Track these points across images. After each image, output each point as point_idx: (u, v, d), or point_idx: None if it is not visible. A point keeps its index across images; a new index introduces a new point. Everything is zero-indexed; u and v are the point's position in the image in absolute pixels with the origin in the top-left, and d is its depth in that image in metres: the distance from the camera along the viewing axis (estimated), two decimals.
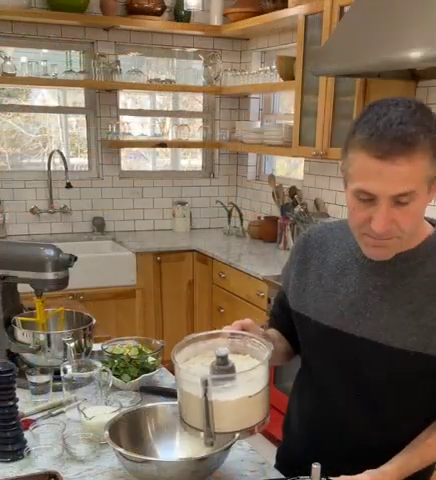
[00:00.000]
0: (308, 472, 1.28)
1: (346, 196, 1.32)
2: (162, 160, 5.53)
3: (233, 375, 1.27)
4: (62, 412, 1.79)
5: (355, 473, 1.34)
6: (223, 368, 1.27)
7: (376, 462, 1.37)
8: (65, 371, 1.77)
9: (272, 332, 1.66)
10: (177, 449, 1.52)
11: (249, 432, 1.30)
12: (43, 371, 1.86)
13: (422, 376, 1.36)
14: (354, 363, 1.43)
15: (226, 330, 1.40)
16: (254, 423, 1.30)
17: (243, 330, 1.40)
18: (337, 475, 1.32)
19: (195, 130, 5.05)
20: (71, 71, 4.44)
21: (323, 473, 1.27)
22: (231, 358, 1.29)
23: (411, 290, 1.36)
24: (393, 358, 1.36)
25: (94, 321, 2.08)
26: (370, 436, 1.45)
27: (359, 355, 1.41)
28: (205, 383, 1.23)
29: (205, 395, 1.23)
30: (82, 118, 4.85)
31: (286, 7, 3.86)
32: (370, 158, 1.21)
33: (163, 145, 4.80)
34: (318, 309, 1.49)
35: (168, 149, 5.25)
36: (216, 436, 1.28)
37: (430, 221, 1.44)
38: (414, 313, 1.34)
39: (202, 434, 1.28)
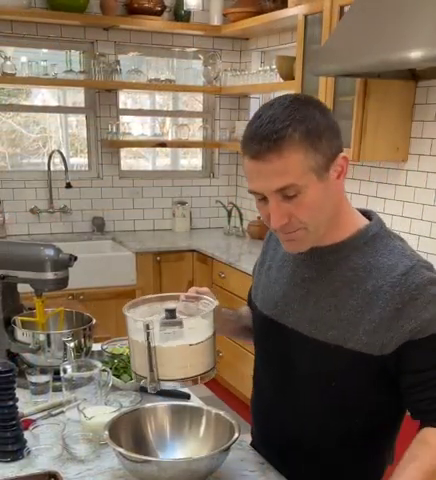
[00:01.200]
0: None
1: None
2: (162, 160, 5.53)
3: (175, 321, 1.37)
4: (62, 412, 1.79)
5: (300, 461, 1.46)
6: (170, 321, 1.37)
7: (314, 452, 1.44)
8: (65, 371, 1.77)
9: (244, 309, 1.75)
10: (177, 449, 1.52)
11: (192, 381, 1.39)
12: (43, 371, 1.86)
13: (345, 370, 1.35)
14: (286, 353, 1.47)
15: (181, 294, 1.49)
16: (197, 373, 1.38)
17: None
18: (283, 463, 1.46)
19: (195, 130, 5.05)
20: (71, 71, 4.44)
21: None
22: (182, 316, 1.40)
23: (334, 283, 1.36)
24: (315, 350, 1.38)
25: (94, 321, 2.08)
26: (297, 425, 1.47)
27: (290, 345, 1.45)
28: (147, 327, 1.32)
29: (148, 339, 1.32)
30: (82, 118, 4.84)
31: (286, 7, 3.86)
32: (249, 160, 1.27)
33: (163, 145, 4.80)
34: (263, 299, 1.56)
35: (168, 149, 5.25)
36: (160, 383, 1.37)
37: (365, 213, 1.44)
38: (336, 306, 1.35)
39: (146, 380, 1.37)
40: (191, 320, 1.41)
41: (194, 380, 1.39)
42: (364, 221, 1.39)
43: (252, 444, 1.68)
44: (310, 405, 1.44)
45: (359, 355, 1.32)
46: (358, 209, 1.44)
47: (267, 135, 1.22)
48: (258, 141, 1.23)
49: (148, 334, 1.32)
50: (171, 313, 1.38)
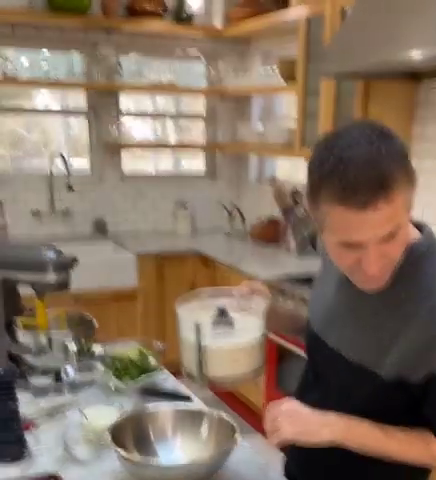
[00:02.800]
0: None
1: (324, 240, 1.28)
2: (164, 162, 5.53)
3: (226, 320, 1.39)
4: (63, 413, 1.79)
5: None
6: (222, 319, 1.39)
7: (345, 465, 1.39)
8: (66, 373, 1.77)
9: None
10: (179, 452, 1.52)
11: (241, 380, 1.41)
12: (44, 373, 1.87)
13: (377, 394, 1.31)
14: (324, 371, 1.45)
15: (234, 289, 1.48)
16: (246, 371, 1.40)
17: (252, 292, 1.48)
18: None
19: (197, 132, 5.05)
20: (72, 73, 4.44)
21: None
22: (233, 314, 1.41)
23: (376, 303, 1.31)
24: (351, 372, 1.34)
25: (95, 323, 2.08)
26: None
27: (328, 364, 1.43)
28: (197, 327, 1.34)
29: (197, 339, 1.34)
30: (83, 120, 4.85)
31: (288, 9, 3.87)
32: (349, 211, 1.14)
33: (165, 147, 4.80)
34: (312, 310, 1.54)
35: (169, 151, 5.25)
36: (209, 380, 1.38)
37: (418, 225, 1.37)
38: (375, 327, 1.31)
39: (195, 378, 1.39)
40: (242, 320, 1.41)
41: (243, 379, 1.41)
42: (413, 237, 1.31)
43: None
44: None
45: (391, 380, 1.27)
46: (412, 221, 1.36)
47: (375, 183, 1.12)
48: (364, 191, 1.12)
49: (198, 334, 1.34)
50: (223, 312, 1.40)
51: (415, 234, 1.33)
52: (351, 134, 1.18)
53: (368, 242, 1.18)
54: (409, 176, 1.18)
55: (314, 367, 1.53)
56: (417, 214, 3.72)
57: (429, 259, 1.29)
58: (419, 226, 1.37)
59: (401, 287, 1.28)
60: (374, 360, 1.29)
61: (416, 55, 2.43)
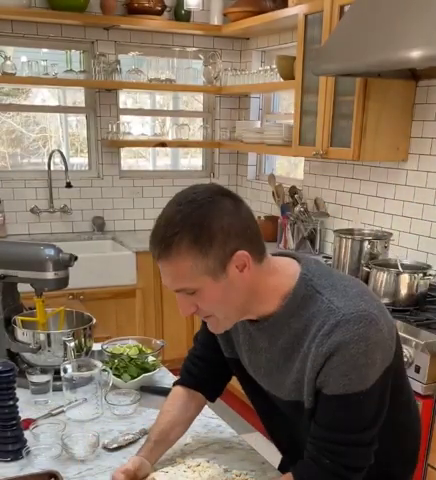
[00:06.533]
0: None
1: None
2: (162, 160, 5.53)
3: None
4: (62, 412, 1.79)
5: None
6: None
7: None
8: (65, 371, 1.77)
9: (173, 410, 1.61)
10: None
11: None
12: (43, 371, 1.87)
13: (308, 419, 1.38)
14: (270, 406, 1.52)
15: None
16: None
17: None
18: None
19: (195, 130, 5.05)
20: (71, 70, 4.44)
21: None
22: None
23: (285, 350, 1.38)
24: (290, 409, 1.43)
25: (94, 321, 2.08)
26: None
27: (270, 401, 1.50)
28: None
29: None
30: (82, 117, 4.84)
31: (286, 7, 3.86)
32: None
33: (163, 145, 4.80)
34: (240, 355, 1.55)
35: (168, 149, 5.24)
36: None
37: (293, 257, 1.42)
38: (292, 370, 1.37)
39: None
40: None
41: None
42: (292, 280, 1.36)
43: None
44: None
45: (310, 411, 1.35)
46: (283, 253, 1.45)
47: (159, 242, 1.28)
48: (153, 245, 1.30)
49: None
50: None
51: (293, 277, 1.36)
52: (181, 193, 1.32)
53: (171, 289, 1.32)
54: (201, 247, 1.25)
55: (259, 404, 1.61)
56: (416, 212, 3.72)
57: (313, 297, 1.33)
58: (295, 258, 1.42)
59: (298, 330, 1.34)
60: (299, 394, 1.37)
61: (415, 54, 2.42)
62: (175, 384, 1.67)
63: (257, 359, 1.47)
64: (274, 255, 1.42)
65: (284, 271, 1.38)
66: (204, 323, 1.58)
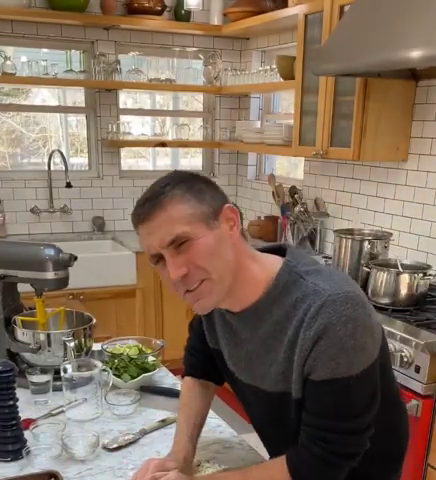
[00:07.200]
0: None
1: None
2: (162, 160, 5.53)
3: None
4: (62, 412, 1.79)
5: None
6: None
7: None
8: (65, 371, 1.77)
9: (191, 403, 1.62)
10: None
11: None
12: (43, 371, 1.87)
13: (294, 411, 1.37)
14: (251, 402, 1.51)
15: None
16: None
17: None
18: None
19: (195, 130, 5.05)
20: (71, 70, 4.44)
21: None
22: None
23: (267, 340, 1.37)
24: (273, 401, 1.40)
25: (94, 321, 2.08)
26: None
27: (251, 397, 1.48)
28: None
29: None
30: (82, 117, 4.85)
31: (286, 6, 3.86)
32: (139, 228, 1.37)
33: (163, 145, 4.80)
34: (222, 346, 1.54)
35: (168, 149, 5.25)
36: None
37: (278, 248, 1.43)
38: (275, 360, 1.35)
39: None
40: None
41: None
42: (274, 268, 1.36)
43: None
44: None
45: (298, 402, 1.33)
46: (269, 246, 1.47)
47: (148, 198, 1.31)
48: (141, 205, 1.33)
49: None
50: None
51: (274, 267, 1.36)
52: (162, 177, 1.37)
53: (160, 251, 1.30)
54: (194, 194, 1.29)
55: (240, 396, 1.58)
56: (416, 212, 3.72)
57: (296, 282, 1.33)
58: (280, 249, 1.43)
59: (281, 317, 1.33)
60: (287, 387, 1.35)
61: (415, 54, 2.42)
62: (183, 375, 1.69)
63: (237, 352, 1.46)
64: (259, 250, 1.44)
65: (268, 260, 1.39)
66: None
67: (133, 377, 1.95)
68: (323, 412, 1.28)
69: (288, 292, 1.32)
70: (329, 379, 1.25)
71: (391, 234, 3.31)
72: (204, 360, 1.64)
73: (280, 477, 1.33)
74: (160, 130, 5.01)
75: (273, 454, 1.58)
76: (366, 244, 3.20)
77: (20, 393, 1.63)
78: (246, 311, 1.37)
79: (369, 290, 2.93)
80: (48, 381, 1.85)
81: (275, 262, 1.38)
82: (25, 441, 1.59)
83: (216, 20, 4.67)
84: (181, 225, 1.27)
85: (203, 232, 1.28)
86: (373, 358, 1.28)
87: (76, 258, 2.02)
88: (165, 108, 5.46)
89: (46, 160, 4.57)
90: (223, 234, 1.30)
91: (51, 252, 2.00)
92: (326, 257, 3.77)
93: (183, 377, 1.69)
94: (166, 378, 2.07)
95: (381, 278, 2.91)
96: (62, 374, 1.77)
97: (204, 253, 1.28)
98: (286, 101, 4.87)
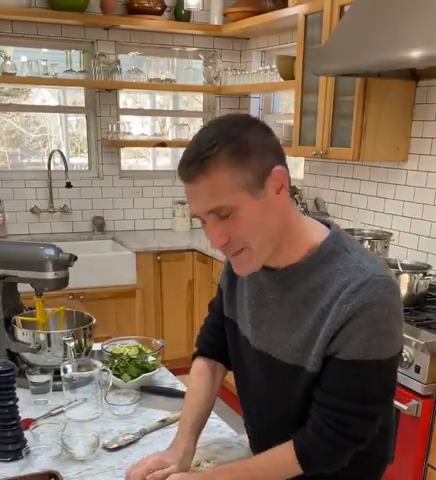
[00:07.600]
0: None
1: None
2: (162, 160, 5.53)
3: None
4: (62, 412, 1.79)
5: None
6: None
7: None
8: (65, 371, 1.77)
9: (199, 390, 1.60)
10: None
11: None
12: (43, 371, 1.87)
13: (303, 387, 1.34)
14: (258, 374, 1.46)
15: None
16: None
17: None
18: None
19: (195, 130, 5.04)
20: (71, 70, 4.44)
21: None
22: None
23: (297, 304, 1.34)
24: (285, 373, 1.37)
25: (94, 321, 2.08)
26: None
27: (261, 367, 1.44)
28: None
29: None
30: (82, 117, 4.85)
31: (286, 7, 3.87)
32: (184, 184, 1.27)
33: (163, 145, 4.80)
34: (239, 316, 1.52)
35: (168, 149, 5.25)
36: None
37: (324, 222, 1.40)
38: (299, 327, 1.33)
39: None
40: None
41: None
42: (321, 235, 1.34)
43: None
44: (287, 424, 1.40)
45: (313, 377, 1.31)
46: (318, 218, 1.42)
47: (194, 158, 1.23)
48: (186, 164, 1.25)
49: None
50: None
51: (321, 235, 1.35)
52: (214, 118, 1.35)
53: (201, 215, 1.28)
54: (239, 159, 1.22)
55: (242, 370, 1.54)
56: (416, 212, 3.72)
57: (340, 254, 1.31)
58: (325, 223, 1.41)
59: (317, 285, 1.31)
60: (303, 359, 1.32)
61: (415, 54, 2.42)
62: (195, 356, 1.66)
63: (261, 313, 1.42)
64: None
65: (315, 226, 1.37)
66: (218, 289, 1.61)
67: (133, 377, 1.95)
68: (344, 393, 1.26)
69: (330, 261, 1.30)
70: (358, 360, 1.23)
71: (391, 234, 3.31)
72: (222, 338, 1.60)
73: (286, 462, 1.31)
74: (160, 130, 5.01)
75: (256, 439, 1.58)
76: (366, 244, 3.20)
77: (20, 393, 1.63)
78: (283, 271, 1.35)
79: None
80: (48, 381, 1.85)
81: (321, 230, 1.36)
82: (25, 441, 1.59)
83: (216, 20, 4.68)
84: (223, 195, 1.23)
85: (246, 203, 1.23)
86: (399, 348, 1.28)
87: (76, 258, 2.02)
88: (165, 108, 5.46)
89: (46, 160, 4.57)
90: (268, 201, 1.26)
91: (51, 252, 2.00)
92: None
93: (194, 359, 1.66)
94: (166, 378, 2.07)
95: None
96: (62, 374, 1.77)
97: (246, 225, 1.25)
98: (286, 101, 4.87)
